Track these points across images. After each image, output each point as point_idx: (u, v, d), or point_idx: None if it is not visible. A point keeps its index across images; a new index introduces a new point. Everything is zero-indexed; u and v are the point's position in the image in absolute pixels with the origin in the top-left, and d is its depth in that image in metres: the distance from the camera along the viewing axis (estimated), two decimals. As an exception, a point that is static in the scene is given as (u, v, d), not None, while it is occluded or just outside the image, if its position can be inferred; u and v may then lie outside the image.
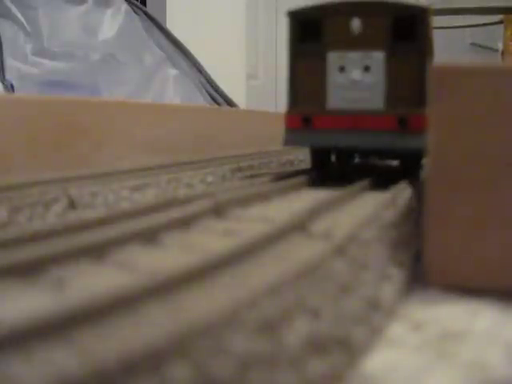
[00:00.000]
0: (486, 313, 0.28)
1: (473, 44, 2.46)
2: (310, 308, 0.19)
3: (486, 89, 0.28)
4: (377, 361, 0.22)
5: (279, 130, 0.53)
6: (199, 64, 1.66)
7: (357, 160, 0.65)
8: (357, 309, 0.23)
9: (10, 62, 1.33)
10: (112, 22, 1.55)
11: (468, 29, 2.08)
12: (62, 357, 0.14)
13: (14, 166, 0.53)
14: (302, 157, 0.79)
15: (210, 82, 1.66)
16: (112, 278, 0.21)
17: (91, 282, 0.20)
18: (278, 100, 2.23)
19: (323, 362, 0.19)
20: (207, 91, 1.66)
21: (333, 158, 0.58)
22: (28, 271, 0.21)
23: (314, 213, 0.32)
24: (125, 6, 1.58)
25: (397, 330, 0.25)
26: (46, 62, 1.38)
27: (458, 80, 0.28)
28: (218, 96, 1.67)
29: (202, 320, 0.15)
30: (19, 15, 1.37)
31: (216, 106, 1.55)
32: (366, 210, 0.34)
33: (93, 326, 0.16)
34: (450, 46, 2.02)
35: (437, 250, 0.30)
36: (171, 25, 1.85)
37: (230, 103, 1.66)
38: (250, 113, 1.19)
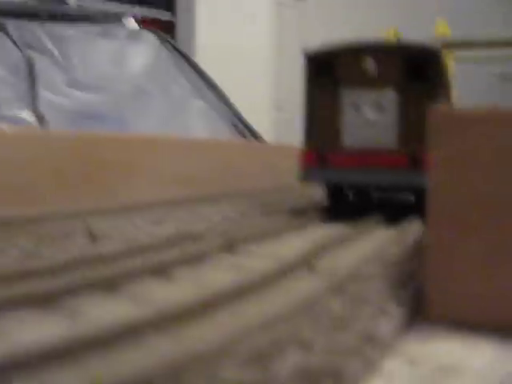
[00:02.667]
0: (484, 349, 0.29)
1: (502, 74, 2.46)
2: (302, 341, 0.21)
3: (481, 134, 0.30)
4: (369, 393, 0.23)
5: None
6: (226, 97, 1.69)
7: (374, 195, 0.66)
8: (351, 342, 0.24)
9: (42, 94, 1.37)
10: (141, 55, 1.59)
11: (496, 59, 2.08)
12: (70, 379, 0.16)
13: (42, 197, 0.56)
14: (321, 191, 0.80)
15: (236, 114, 1.69)
16: (122, 309, 0.23)
17: (103, 313, 0.22)
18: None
19: (314, 392, 0.20)
20: (233, 124, 1.68)
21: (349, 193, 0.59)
22: (46, 301, 0.23)
23: (320, 250, 0.33)
24: (154, 40, 1.62)
25: (392, 363, 0.26)
26: (77, 93, 1.41)
27: (454, 126, 0.30)
28: (244, 129, 1.69)
29: (199, 349, 0.17)
30: (53, 48, 1.42)
31: (241, 141, 1.57)
32: (370, 247, 0.35)
33: (101, 352, 0.18)
34: (478, 76, 2.03)
35: (437, 286, 0.31)
36: (199, 58, 1.89)
37: (255, 136, 1.68)
38: (274, 147, 1.21)
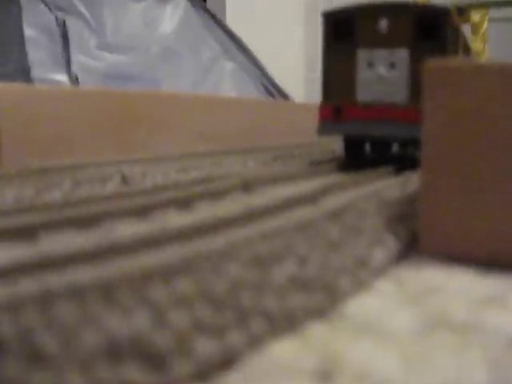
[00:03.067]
0: (463, 276, 0.32)
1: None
2: (298, 255, 0.25)
3: (471, 85, 0.33)
4: (357, 303, 0.27)
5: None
6: (255, 58, 1.72)
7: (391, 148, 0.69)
8: (344, 263, 0.28)
9: (75, 56, 1.41)
10: (171, 17, 1.62)
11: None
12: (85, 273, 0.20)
13: (78, 148, 0.60)
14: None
15: (265, 75, 1.72)
16: (144, 228, 0.27)
17: (128, 231, 0.26)
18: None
19: (306, 298, 0.24)
20: (262, 84, 1.71)
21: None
22: (84, 224, 0.27)
23: (325, 190, 0.37)
24: (184, 2, 1.65)
25: (381, 284, 0.30)
26: (108, 55, 1.46)
27: (446, 77, 0.33)
28: (272, 89, 1.72)
29: (206, 249, 0.21)
30: (85, 12, 1.46)
31: (266, 99, 1.60)
32: (374, 190, 0.39)
33: (121, 255, 0.22)
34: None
35: (429, 222, 0.35)
36: (230, 19, 1.90)
37: (284, 96, 1.71)
38: (299, 106, 1.24)
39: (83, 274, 0.19)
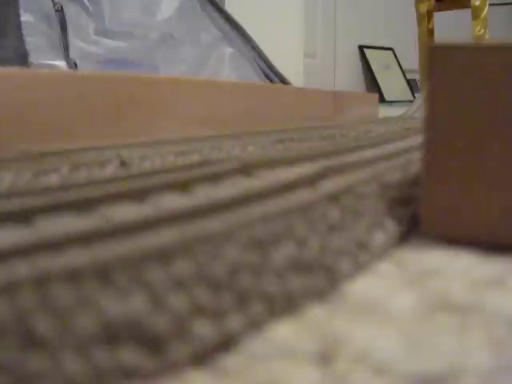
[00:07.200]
0: (465, 258, 0.32)
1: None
2: (297, 237, 0.25)
3: (473, 64, 0.33)
4: (357, 285, 0.27)
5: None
6: (254, 43, 1.71)
7: None
8: (344, 246, 0.28)
9: (73, 42, 1.41)
10: (170, 2, 1.61)
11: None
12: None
13: (76, 133, 0.60)
14: (344, 132, 0.84)
15: (264, 60, 1.71)
16: (140, 212, 0.27)
17: (126, 213, 0.26)
18: (336, 78, 2.25)
19: (305, 280, 0.24)
20: (262, 69, 1.70)
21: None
22: (83, 207, 0.27)
23: (325, 172, 0.37)
24: (183, -14, 1.64)
25: (381, 265, 0.30)
26: (107, 41, 1.45)
27: (449, 57, 0.33)
28: (272, 74, 1.71)
29: (205, 231, 0.21)
30: (83, -4, 1.45)
31: (266, 83, 1.59)
32: (375, 172, 0.39)
33: (119, 237, 0.22)
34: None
35: (431, 204, 0.35)
36: (229, 4, 1.89)
37: (283, 81, 1.71)
38: (299, 90, 1.24)
39: (80, 256, 0.19)
